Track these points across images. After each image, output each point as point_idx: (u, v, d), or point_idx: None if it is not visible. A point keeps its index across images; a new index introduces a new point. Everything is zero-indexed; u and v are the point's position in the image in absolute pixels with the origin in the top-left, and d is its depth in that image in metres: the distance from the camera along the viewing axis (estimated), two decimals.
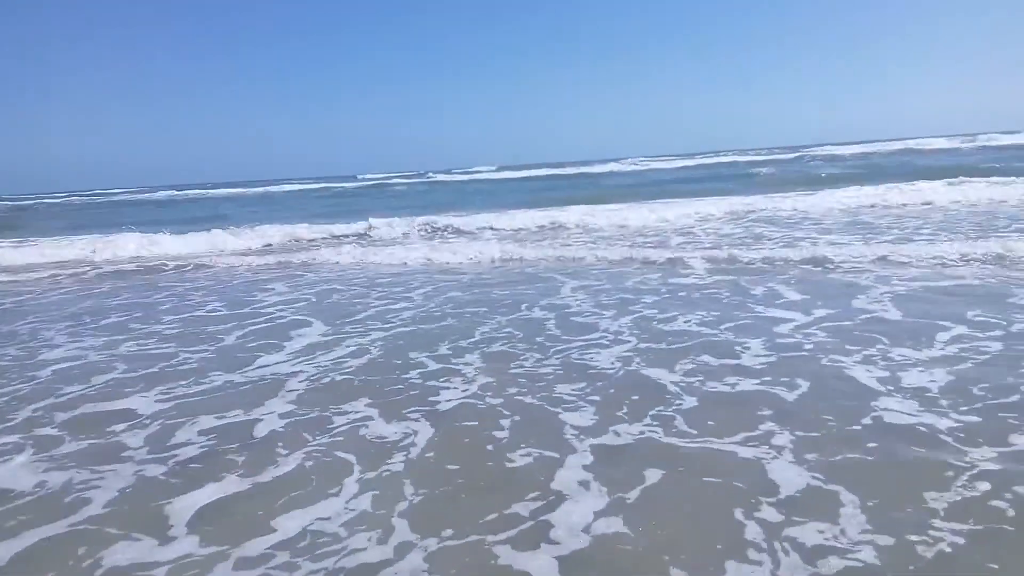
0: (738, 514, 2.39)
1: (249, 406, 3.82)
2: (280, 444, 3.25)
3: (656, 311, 5.58)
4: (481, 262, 9.15)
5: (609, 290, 6.62)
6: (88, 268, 11.28)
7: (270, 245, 13.39)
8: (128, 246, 13.21)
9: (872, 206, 13.07)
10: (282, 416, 3.63)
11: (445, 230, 13.60)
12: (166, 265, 11.08)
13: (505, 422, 3.38)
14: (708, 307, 5.59)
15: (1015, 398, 3.26)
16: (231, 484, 2.85)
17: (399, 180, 51.49)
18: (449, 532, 2.39)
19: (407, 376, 4.23)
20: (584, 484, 2.67)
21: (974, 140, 43.73)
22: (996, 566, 2.04)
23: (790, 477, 2.61)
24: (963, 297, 5.41)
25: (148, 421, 3.68)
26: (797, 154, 46.40)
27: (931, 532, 2.21)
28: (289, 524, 2.49)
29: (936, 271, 6.48)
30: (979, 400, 3.26)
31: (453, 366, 4.39)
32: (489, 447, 3.10)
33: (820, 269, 6.97)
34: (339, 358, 4.73)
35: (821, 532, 2.24)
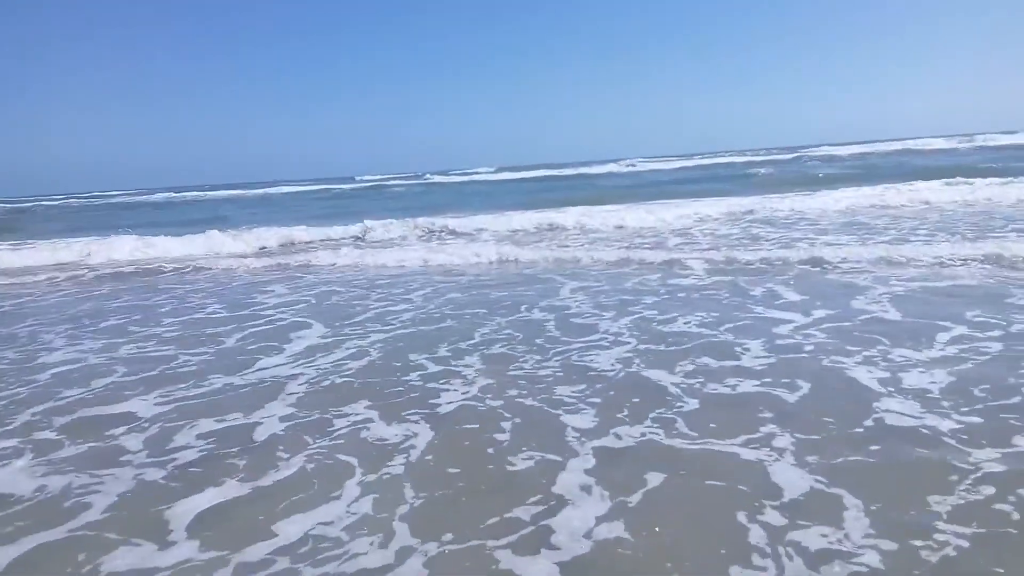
0: (741, 518, 2.37)
1: (249, 409, 3.81)
2: (280, 447, 3.24)
3: (656, 312, 5.57)
4: (479, 264, 9.14)
5: (608, 291, 6.62)
6: (84, 271, 11.25)
7: (266, 248, 13.36)
8: (123, 249, 13.19)
9: (870, 206, 13.08)
10: (282, 419, 3.62)
11: (443, 232, 13.59)
12: (164, 268, 11.06)
13: (506, 424, 3.38)
14: (707, 308, 5.58)
15: (1016, 399, 3.25)
16: (231, 488, 2.84)
17: (397, 182, 51.47)
18: (450, 536, 2.38)
19: (407, 378, 4.22)
20: (585, 488, 2.66)
21: (972, 140, 43.82)
22: (1001, 570, 2.03)
23: (792, 480, 2.60)
24: (961, 297, 5.41)
25: (148, 424, 3.67)
26: (795, 155, 46.45)
27: (935, 536, 2.20)
28: (290, 529, 2.48)
29: (934, 271, 6.49)
30: (981, 401, 3.25)
31: (453, 368, 4.38)
32: (490, 450, 3.09)
33: (818, 270, 6.97)
34: (339, 360, 4.72)
35: (824, 536, 2.23)
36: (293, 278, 8.98)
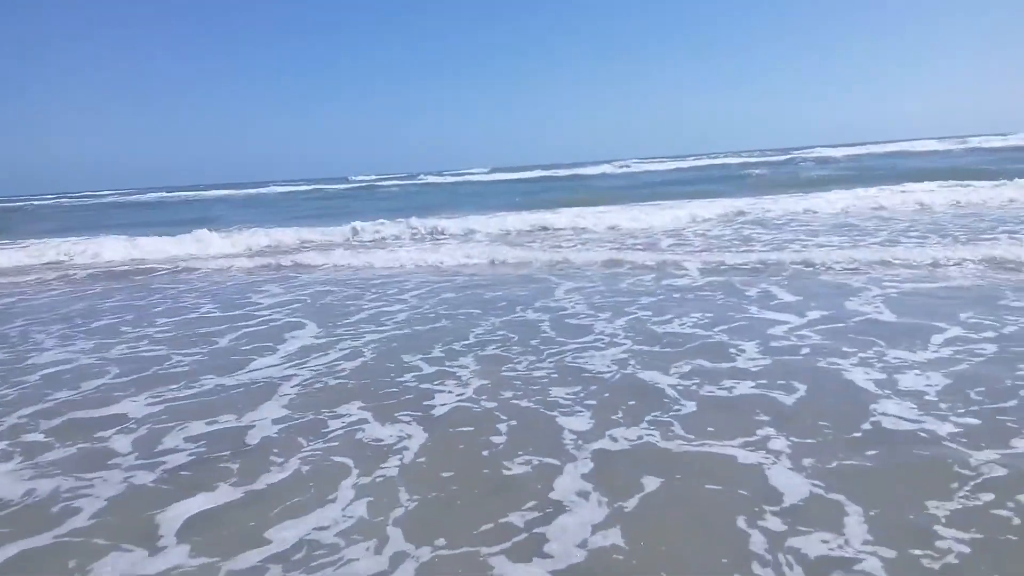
0: (740, 523, 2.34)
1: (242, 410, 3.77)
2: (273, 450, 3.20)
3: (650, 313, 5.56)
4: (473, 264, 9.11)
5: (603, 292, 6.60)
6: (75, 271, 11.16)
7: (258, 248, 13.28)
8: (111, 249, 13.08)
9: (863, 208, 13.12)
10: (275, 421, 3.58)
11: (437, 232, 13.55)
12: (155, 268, 10.99)
13: (501, 426, 3.35)
14: (702, 309, 5.57)
15: (1013, 401, 3.25)
16: (224, 492, 2.80)
17: (390, 182, 51.37)
18: (444, 542, 2.34)
19: (401, 379, 4.19)
20: (580, 492, 2.62)
21: (965, 142, 44.08)
22: None
23: (791, 484, 2.58)
24: (954, 299, 5.42)
25: (138, 427, 3.62)
26: (788, 156, 46.62)
27: (936, 543, 2.17)
28: (282, 535, 2.44)
29: (927, 273, 6.50)
30: (978, 403, 3.25)
31: (448, 369, 4.35)
32: (484, 452, 3.07)
33: (811, 271, 6.98)
34: (333, 361, 4.69)
35: (825, 542, 2.20)
36: (286, 278, 8.92)
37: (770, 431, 3.08)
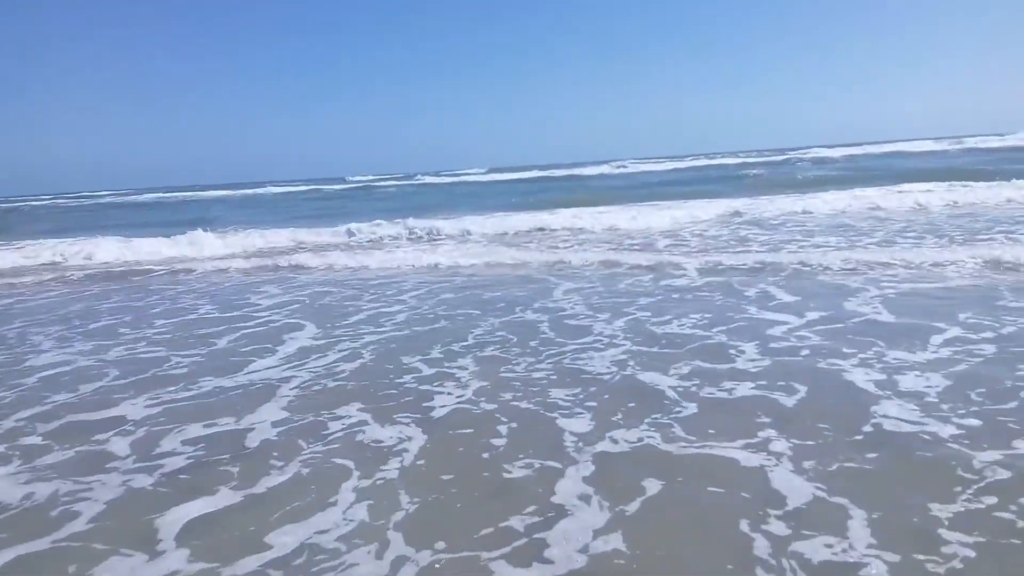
0: (743, 527, 2.32)
1: (241, 413, 3.76)
2: (273, 453, 3.19)
3: (649, 313, 5.56)
4: (471, 265, 9.10)
5: (601, 292, 6.60)
6: (73, 272, 11.12)
7: (255, 249, 13.26)
8: (107, 250, 13.04)
9: (861, 208, 13.14)
10: (275, 424, 3.57)
11: (435, 233, 13.54)
12: (153, 269, 10.96)
13: (501, 428, 3.34)
14: (701, 310, 5.57)
15: (1014, 403, 3.25)
16: (224, 496, 2.78)
17: (388, 183, 51.32)
18: (445, 546, 2.33)
19: (401, 380, 4.18)
20: (581, 496, 2.61)
21: (961, 143, 44.17)
22: None
23: (794, 487, 2.57)
24: (952, 299, 5.43)
25: (137, 429, 3.61)
26: (785, 157, 46.69)
27: (941, 548, 2.15)
28: (283, 539, 2.42)
29: (924, 273, 6.50)
30: (978, 404, 3.24)
31: (447, 370, 4.34)
32: (484, 455, 3.05)
33: (809, 271, 6.98)
34: (332, 362, 4.67)
35: (829, 546, 2.18)
36: (284, 279, 8.91)
37: (771, 433, 3.07)
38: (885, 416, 3.17)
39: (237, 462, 3.11)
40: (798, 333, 4.67)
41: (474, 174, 56.82)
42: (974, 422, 3.05)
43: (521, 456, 3.01)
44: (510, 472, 2.86)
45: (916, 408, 3.24)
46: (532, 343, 4.86)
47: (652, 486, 2.66)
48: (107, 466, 3.15)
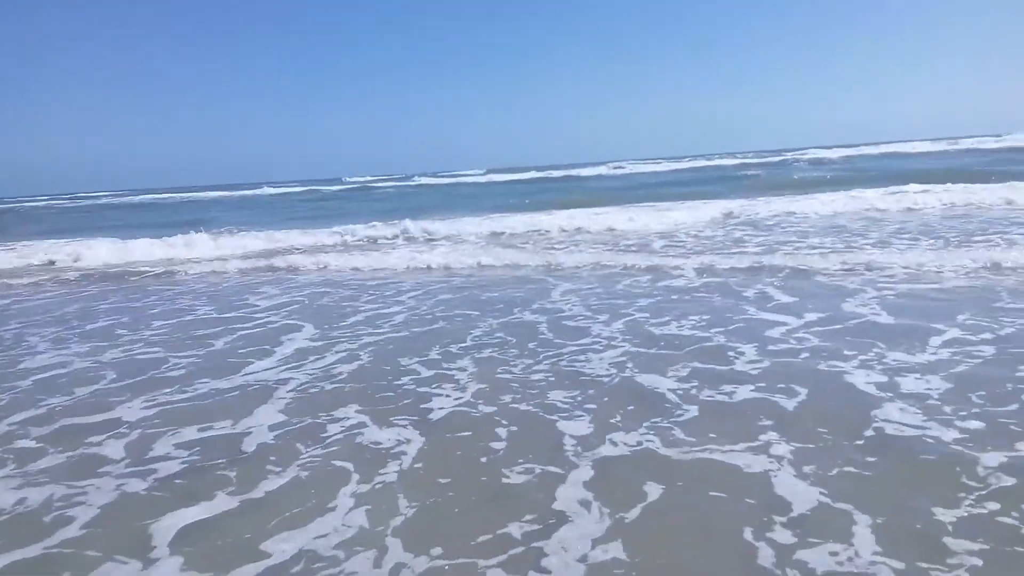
0: (746, 534, 2.29)
1: (238, 416, 3.72)
2: (270, 457, 3.15)
3: (648, 315, 5.53)
4: (469, 266, 9.07)
5: (599, 293, 6.58)
6: (58, 274, 11.07)
7: (254, 250, 13.21)
8: (100, 251, 12.99)
9: (858, 209, 13.14)
10: (272, 427, 3.54)
11: (432, 234, 13.51)
12: (149, 270, 10.91)
13: (500, 431, 3.31)
14: (699, 311, 5.55)
15: (1015, 405, 3.22)
16: (220, 502, 2.74)
17: (385, 184, 51.27)
18: (442, 552, 2.30)
19: (399, 383, 4.15)
20: (580, 501, 2.58)
21: (957, 144, 44.25)
22: None
23: (797, 492, 2.53)
24: (950, 301, 5.42)
25: (133, 433, 3.57)
26: (782, 157, 46.73)
27: (946, 553, 2.12)
28: (280, 546, 2.38)
29: (921, 275, 6.49)
30: (980, 406, 3.22)
31: (446, 372, 4.32)
32: (483, 459, 3.02)
33: (806, 272, 6.96)
34: (330, 364, 4.64)
35: (834, 554, 2.15)
36: (281, 280, 8.87)
37: (772, 436, 3.04)
38: (887, 419, 3.14)
39: (234, 466, 3.08)
40: (797, 334, 4.65)
41: (472, 175, 56.79)
42: (976, 424, 3.03)
43: (520, 460, 2.98)
44: (508, 477, 2.83)
45: (918, 410, 3.22)
46: (530, 344, 4.84)
47: (653, 491, 2.63)
48: (101, 470, 3.12)
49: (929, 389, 3.48)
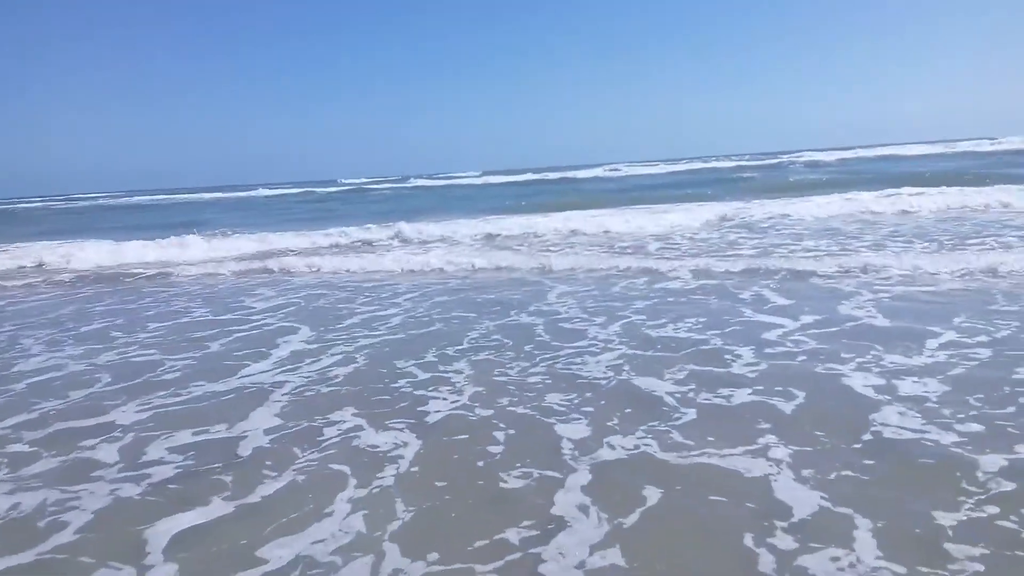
0: (746, 540, 2.27)
1: (234, 419, 3.70)
2: (266, 461, 3.13)
3: (644, 317, 5.53)
4: (466, 268, 9.05)
5: (596, 296, 6.57)
6: (52, 276, 11.02)
7: (249, 252, 13.16)
8: (95, 253, 12.91)
9: (853, 212, 13.16)
10: (268, 431, 3.51)
11: (428, 236, 13.48)
12: (144, 272, 10.86)
13: (497, 435, 3.29)
14: (695, 313, 5.54)
15: (1012, 407, 3.22)
16: (215, 507, 2.71)
17: (382, 186, 51.21)
18: (440, 557, 2.28)
19: (396, 385, 4.13)
20: (578, 506, 2.56)
21: (952, 146, 44.43)
22: None
23: (797, 497, 2.52)
24: (945, 303, 5.42)
25: (127, 437, 3.54)
26: (777, 160, 46.87)
27: (947, 559, 2.11)
28: (276, 552, 2.36)
29: (916, 277, 6.50)
30: (978, 408, 3.22)
31: (442, 374, 4.30)
32: (480, 463, 3.01)
33: (801, 275, 6.96)
34: (326, 367, 4.62)
35: (835, 560, 2.13)
36: (277, 282, 8.84)
37: (771, 439, 3.04)
38: (885, 423, 3.13)
39: (229, 471, 3.06)
40: (793, 337, 4.65)
41: (468, 177, 56.78)
42: (975, 427, 3.02)
43: (517, 464, 2.96)
44: (506, 481, 2.82)
45: (917, 414, 3.21)
46: (527, 347, 4.82)
47: (651, 495, 2.61)
48: (95, 475, 3.09)
49: (927, 392, 3.48)
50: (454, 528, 2.48)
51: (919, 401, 3.36)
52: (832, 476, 2.67)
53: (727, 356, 4.31)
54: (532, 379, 4.10)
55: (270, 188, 60.08)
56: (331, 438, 3.37)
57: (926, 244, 8.59)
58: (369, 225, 14.79)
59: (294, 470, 3.02)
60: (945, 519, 2.32)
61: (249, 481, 2.93)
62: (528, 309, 6.12)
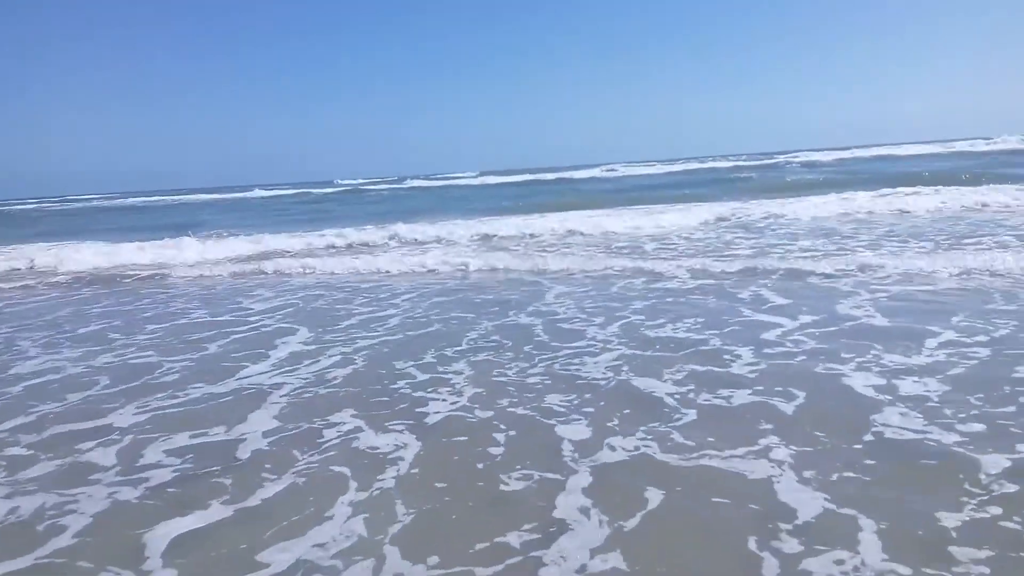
0: (749, 543, 2.25)
1: (232, 421, 3.68)
2: (265, 464, 3.11)
3: (643, 317, 5.52)
4: (464, 268, 9.04)
5: (594, 296, 6.56)
6: (48, 278, 10.97)
7: (246, 253, 13.12)
8: (92, 254, 12.86)
9: (851, 211, 13.18)
10: (266, 433, 3.49)
11: (426, 236, 13.45)
12: (139, 274, 10.82)
13: (497, 436, 3.28)
14: (694, 313, 5.54)
15: (1012, 407, 3.22)
16: (214, 510, 2.69)
17: (379, 186, 51.16)
18: (440, 561, 2.26)
19: (395, 386, 4.12)
20: (579, 508, 2.54)
21: (948, 146, 44.52)
22: None
23: (799, 499, 2.50)
24: (943, 302, 5.42)
25: (125, 440, 3.51)
26: (774, 160, 46.93)
27: (951, 561, 2.10)
28: (276, 556, 2.34)
29: (912, 277, 6.50)
30: (979, 408, 3.22)
31: (441, 375, 4.29)
32: (480, 465, 2.99)
33: (799, 274, 6.96)
34: (324, 368, 4.61)
35: (840, 563, 2.12)
36: (275, 283, 8.82)
37: (772, 440, 3.03)
38: (887, 423, 3.13)
39: (228, 473, 3.04)
40: (793, 337, 4.65)
41: (465, 177, 56.75)
42: (977, 427, 3.02)
43: (517, 466, 2.95)
44: (506, 483, 2.80)
45: (918, 413, 3.20)
46: (526, 348, 4.81)
47: (652, 497, 2.60)
48: (93, 478, 3.07)
49: (928, 391, 3.48)
50: (455, 531, 2.46)
51: (920, 401, 3.36)
52: (834, 477, 2.66)
53: (726, 356, 4.30)
54: (531, 380, 4.09)
55: (266, 189, 59.95)
56: (330, 440, 3.35)
57: (922, 244, 8.60)
58: (366, 226, 14.77)
59: (293, 473, 3.00)
60: (949, 520, 2.31)
61: (248, 484, 2.91)
62: (526, 310, 6.11)
